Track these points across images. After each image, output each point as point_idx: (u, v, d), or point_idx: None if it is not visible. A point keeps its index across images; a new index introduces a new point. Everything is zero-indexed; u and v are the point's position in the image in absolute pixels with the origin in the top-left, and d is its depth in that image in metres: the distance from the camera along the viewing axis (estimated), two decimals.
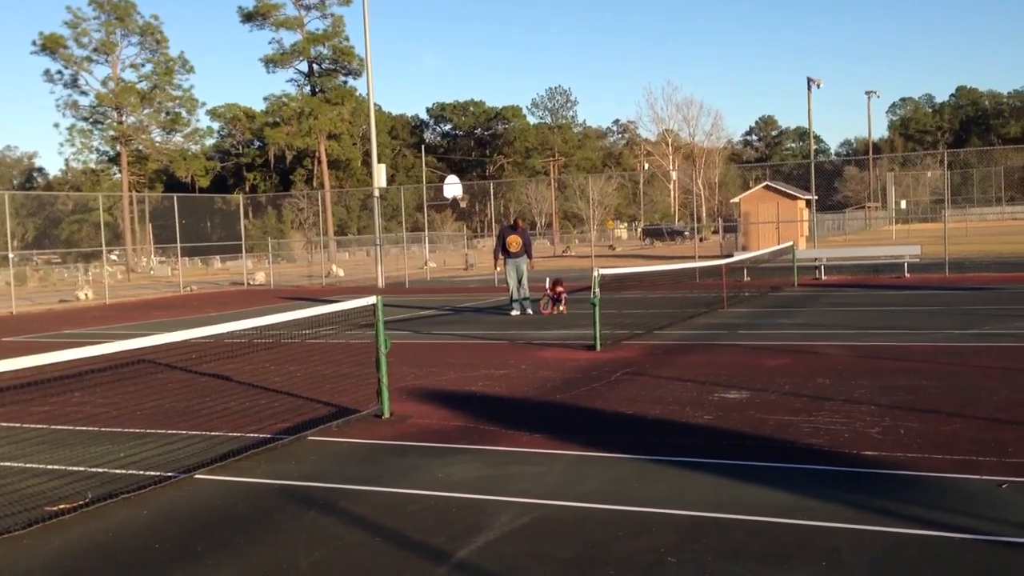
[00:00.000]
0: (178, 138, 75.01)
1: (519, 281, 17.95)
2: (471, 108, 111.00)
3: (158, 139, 73.38)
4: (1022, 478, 5.63)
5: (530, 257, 18.36)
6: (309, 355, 12.42)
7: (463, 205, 64.71)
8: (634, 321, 15.25)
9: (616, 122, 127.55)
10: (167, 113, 71.97)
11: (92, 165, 75.63)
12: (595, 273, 12.79)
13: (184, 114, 72.72)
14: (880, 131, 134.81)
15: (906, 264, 24.46)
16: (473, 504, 5.61)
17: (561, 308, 17.71)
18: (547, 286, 17.97)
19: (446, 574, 4.53)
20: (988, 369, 9.48)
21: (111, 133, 69.77)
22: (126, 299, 30.83)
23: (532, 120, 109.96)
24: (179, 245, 36.05)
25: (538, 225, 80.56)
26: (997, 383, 8.69)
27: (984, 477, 5.68)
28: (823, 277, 24.61)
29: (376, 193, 34.35)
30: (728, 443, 6.85)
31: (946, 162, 31.58)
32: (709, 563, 4.47)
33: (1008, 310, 15.06)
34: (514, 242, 18.11)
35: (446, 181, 40.79)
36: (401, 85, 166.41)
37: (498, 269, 18.68)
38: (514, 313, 17.88)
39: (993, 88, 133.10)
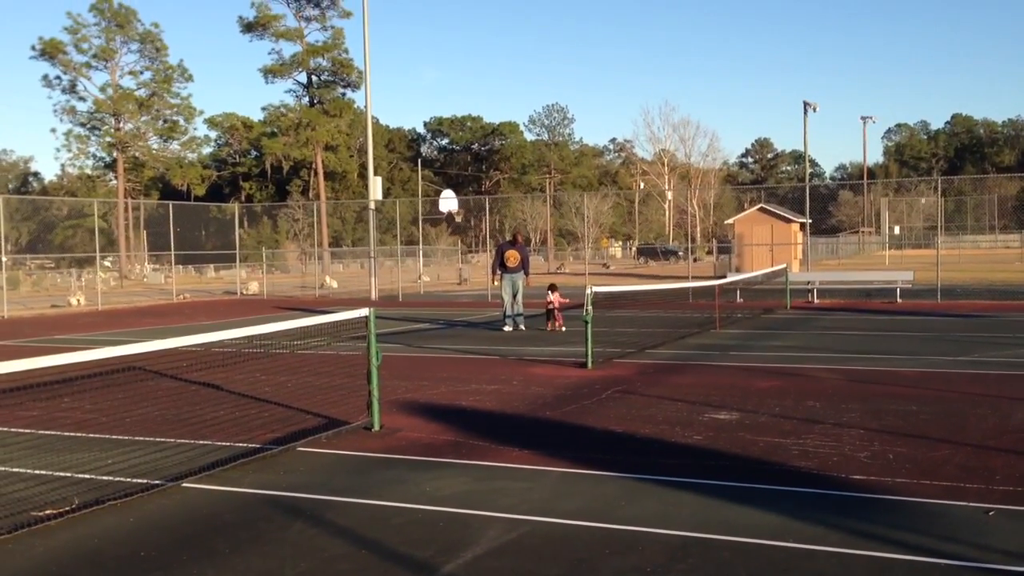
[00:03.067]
0: (175, 146, 75.15)
1: (514, 297, 17.97)
2: (468, 123, 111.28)
3: (155, 146, 73.43)
4: (1009, 505, 5.64)
5: (527, 273, 18.39)
6: (300, 366, 12.40)
7: (458, 220, 64.77)
8: (626, 339, 15.26)
9: (613, 141, 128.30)
10: (165, 121, 72.03)
11: (88, 171, 75.67)
12: (588, 291, 12.81)
13: (182, 122, 72.86)
14: (875, 156, 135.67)
15: (898, 289, 24.54)
16: (460, 518, 5.61)
17: (558, 325, 17.68)
18: (546, 299, 17.95)
19: None
20: (977, 396, 9.51)
21: (108, 139, 69.80)
22: (118, 305, 30.75)
23: (529, 136, 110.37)
24: (173, 253, 36.00)
25: (533, 242, 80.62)
26: (986, 410, 8.72)
27: (971, 504, 5.70)
28: (816, 300, 24.67)
29: (372, 205, 34.37)
30: (717, 464, 6.86)
31: (940, 189, 31.80)
32: None
33: (998, 338, 15.12)
34: (512, 257, 18.13)
35: (442, 195, 40.84)
36: (399, 99, 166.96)
37: (495, 284, 18.67)
38: (506, 329, 17.88)
39: (988, 116, 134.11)
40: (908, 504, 5.76)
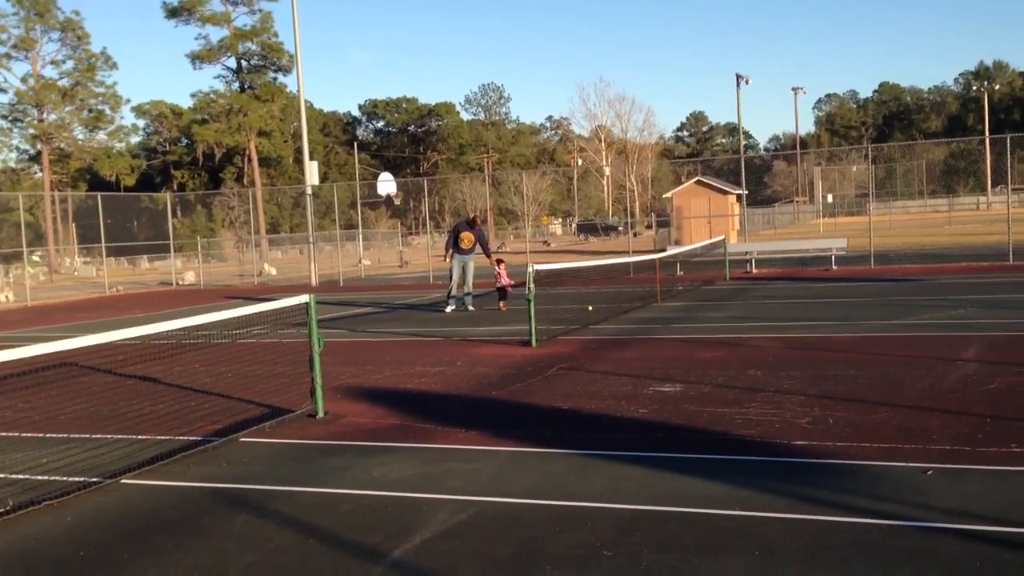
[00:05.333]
0: (102, 136, 73.23)
1: (464, 278, 17.84)
2: (404, 105, 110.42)
3: (81, 137, 71.52)
4: (946, 464, 5.78)
5: (488, 254, 18.33)
6: (241, 355, 12.20)
7: (397, 202, 64.29)
8: (569, 316, 15.30)
9: (549, 118, 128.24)
10: (90, 110, 70.13)
11: (12, 164, 73.51)
12: (530, 269, 12.80)
13: (108, 111, 70.99)
14: (807, 127, 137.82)
15: (833, 257, 25.00)
16: (409, 502, 5.56)
17: (501, 304, 17.59)
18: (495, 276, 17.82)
19: (382, 574, 4.47)
20: (912, 358, 9.72)
21: (31, 131, 67.76)
22: (49, 301, 29.97)
23: (465, 116, 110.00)
24: (104, 245, 35.15)
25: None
26: (921, 372, 8.92)
27: (910, 464, 5.82)
28: (754, 270, 25.02)
29: (308, 191, 33.94)
30: (663, 436, 6.91)
31: (870, 156, 32.61)
32: (644, 555, 4.49)
33: (930, 300, 15.48)
34: (466, 239, 17.94)
35: (380, 178, 40.49)
36: (333, 82, 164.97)
37: (446, 260, 18.47)
38: (448, 309, 17.78)
39: (914, 84, 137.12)
40: (850, 467, 5.86)
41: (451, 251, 17.99)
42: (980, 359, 9.51)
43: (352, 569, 4.56)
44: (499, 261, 18.13)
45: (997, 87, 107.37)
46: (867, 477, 5.64)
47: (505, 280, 17.72)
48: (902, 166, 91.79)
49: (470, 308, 17.76)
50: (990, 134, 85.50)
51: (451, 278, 17.96)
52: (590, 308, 15.93)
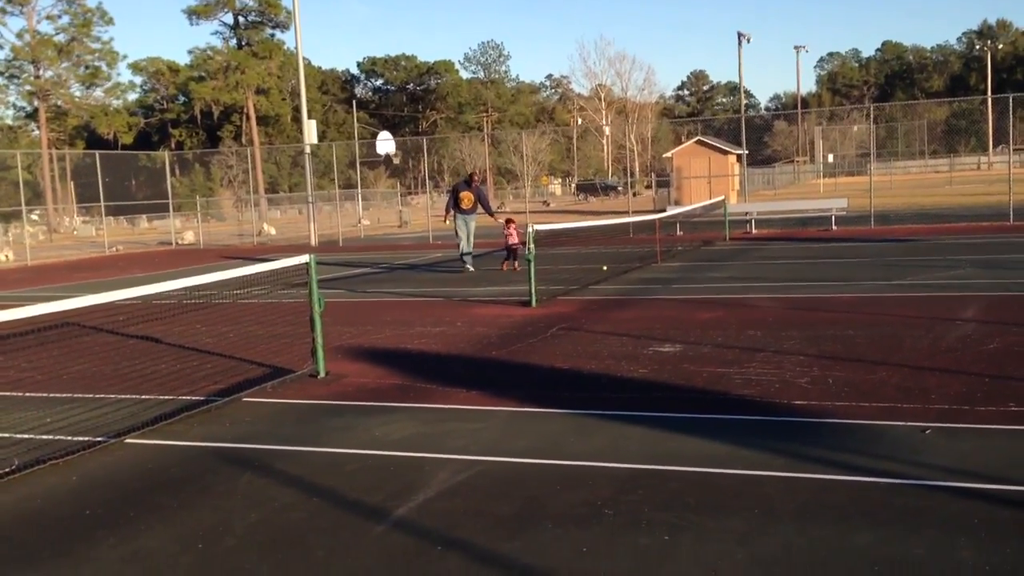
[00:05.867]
0: (99, 93, 72.64)
1: (467, 237, 17.84)
2: (402, 62, 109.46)
3: (78, 94, 70.90)
4: (944, 423, 5.82)
5: (490, 214, 18.29)
6: (241, 315, 12.22)
7: (396, 162, 64.02)
8: (569, 276, 15.31)
9: (549, 77, 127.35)
10: (86, 67, 69.46)
11: (8, 121, 73.03)
12: (530, 229, 12.78)
13: (104, 68, 70.32)
14: (808, 86, 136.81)
15: (833, 217, 24.95)
16: (410, 462, 5.61)
17: (515, 265, 17.37)
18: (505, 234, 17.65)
19: (384, 532, 4.52)
20: (911, 318, 9.74)
21: (28, 88, 67.22)
22: (48, 260, 29.95)
23: (465, 75, 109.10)
24: (103, 204, 35.04)
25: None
26: (920, 332, 8.95)
27: (908, 423, 5.86)
28: (754, 231, 24.97)
29: (307, 150, 33.75)
30: (663, 396, 6.95)
31: (872, 116, 32.50)
32: (645, 513, 4.54)
33: (930, 261, 15.49)
34: (466, 198, 17.90)
35: (379, 137, 40.22)
36: (330, 39, 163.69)
37: (447, 223, 18.43)
38: (469, 268, 17.72)
39: (917, 43, 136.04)
40: (848, 426, 5.90)
41: (452, 212, 18.00)
42: (979, 319, 9.54)
43: (355, 527, 4.61)
44: (509, 220, 17.95)
45: (1000, 46, 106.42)
46: (866, 436, 5.68)
47: (516, 239, 17.47)
48: (903, 126, 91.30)
49: (470, 268, 17.76)
50: (992, 94, 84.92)
51: (458, 237, 17.94)
52: (604, 268, 15.96)
